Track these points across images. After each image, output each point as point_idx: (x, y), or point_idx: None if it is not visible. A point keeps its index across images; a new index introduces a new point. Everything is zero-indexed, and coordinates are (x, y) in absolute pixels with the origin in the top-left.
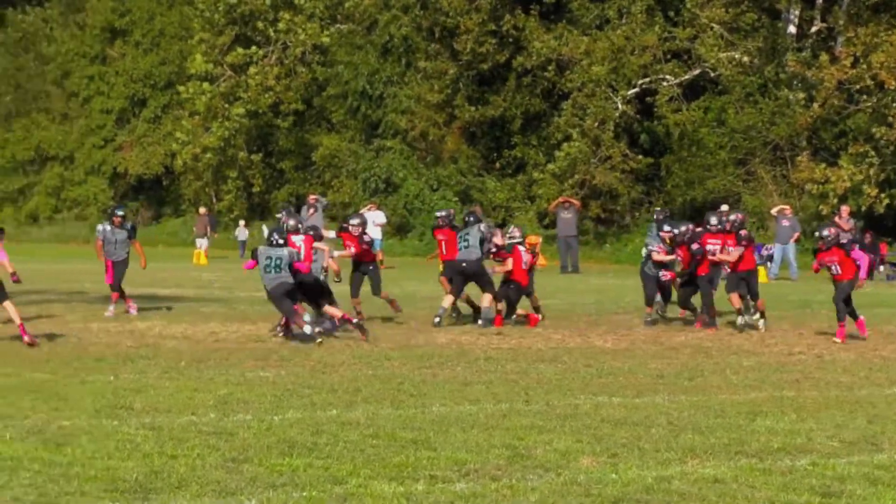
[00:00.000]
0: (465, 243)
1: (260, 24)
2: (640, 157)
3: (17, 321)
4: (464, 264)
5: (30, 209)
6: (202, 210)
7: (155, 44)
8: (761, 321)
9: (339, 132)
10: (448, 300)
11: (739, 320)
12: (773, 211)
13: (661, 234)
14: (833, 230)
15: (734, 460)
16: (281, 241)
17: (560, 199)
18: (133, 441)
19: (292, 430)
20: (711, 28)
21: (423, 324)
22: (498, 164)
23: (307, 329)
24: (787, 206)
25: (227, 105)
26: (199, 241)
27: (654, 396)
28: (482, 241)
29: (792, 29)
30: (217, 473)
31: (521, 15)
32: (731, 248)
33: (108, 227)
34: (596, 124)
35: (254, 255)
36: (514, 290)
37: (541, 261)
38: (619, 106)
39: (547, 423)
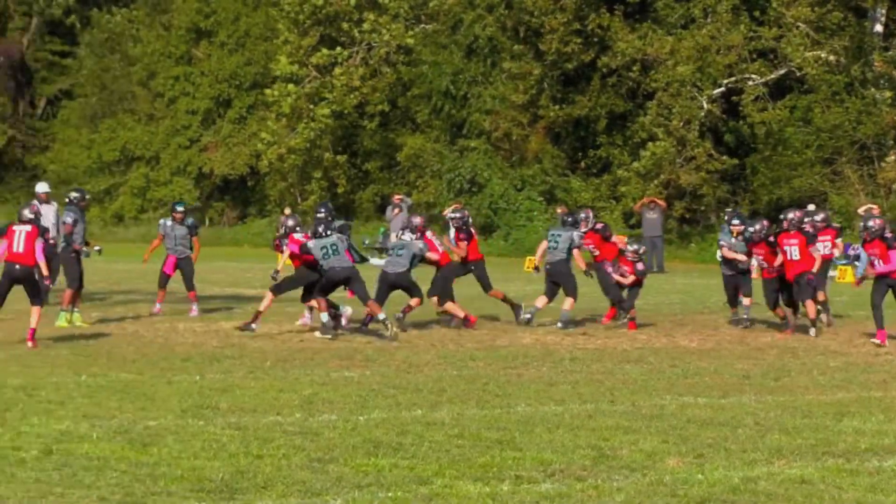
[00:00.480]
0: (555, 244)
1: (345, 25)
2: (725, 157)
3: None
4: (548, 266)
5: (115, 209)
6: (287, 211)
7: (240, 44)
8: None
9: (423, 132)
10: (541, 300)
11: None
12: (860, 210)
13: (731, 227)
14: (879, 221)
15: (821, 461)
16: (328, 232)
17: (645, 199)
18: (219, 441)
19: (378, 430)
20: (797, 27)
21: (507, 324)
22: (583, 164)
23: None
24: (875, 206)
25: (311, 106)
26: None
27: (740, 397)
28: (570, 248)
29: (879, 28)
30: (302, 473)
31: (606, 14)
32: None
33: (169, 223)
34: (681, 124)
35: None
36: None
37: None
38: (705, 105)
39: (633, 423)
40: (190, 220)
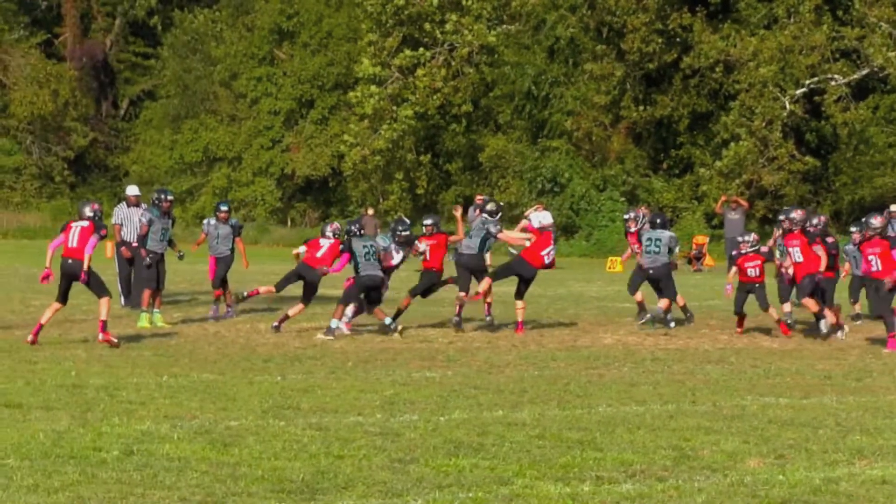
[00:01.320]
0: (656, 248)
1: (427, 26)
2: (808, 157)
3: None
4: (650, 271)
5: (197, 210)
6: (370, 211)
7: (323, 45)
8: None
9: (505, 133)
10: (664, 303)
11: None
12: None
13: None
14: (881, 219)
15: None
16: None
17: (724, 198)
18: (300, 441)
19: (458, 431)
20: (880, 27)
21: (590, 324)
22: (665, 164)
23: (333, 324)
24: None
25: (394, 107)
26: None
27: (821, 397)
28: (671, 250)
29: None
30: (383, 474)
31: (688, 14)
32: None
33: (213, 222)
34: (763, 124)
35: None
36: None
37: (707, 261)
38: (787, 106)
39: (713, 423)
40: (234, 220)
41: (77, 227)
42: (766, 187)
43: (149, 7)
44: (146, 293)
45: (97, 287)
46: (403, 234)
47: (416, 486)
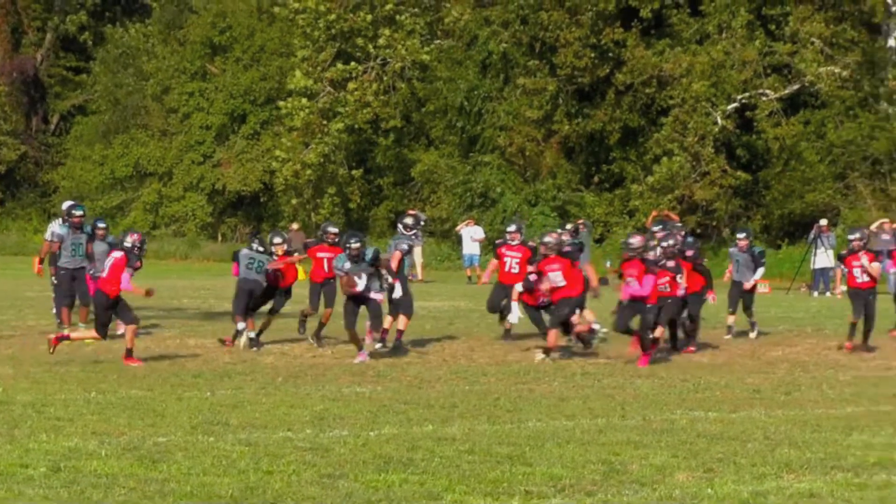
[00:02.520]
0: None
1: (360, 41)
2: (740, 172)
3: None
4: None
5: (127, 225)
6: (295, 226)
7: (255, 60)
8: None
9: (437, 148)
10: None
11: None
12: (873, 226)
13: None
14: (641, 238)
15: (830, 475)
16: (261, 249)
17: (655, 213)
18: (229, 457)
19: (388, 446)
20: (811, 42)
21: (519, 340)
22: (596, 179)
23: (240, 325)
24: (887, 220)
25: (325, 121)
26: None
27: (750, 411)
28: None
29: (892, 42)
30: (312, 489)
31: (621, 30)
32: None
33: (64, 230)
34: (696, 139)
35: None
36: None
37: None
38: (719, 121)
39: (643, 438)
40: (89, 228)
41: (112, 257)
42: (698, 202)
43: (80, 22)
44: (63, 310)
45: (124, 314)
46: (355, 246)
47: (346, 501)
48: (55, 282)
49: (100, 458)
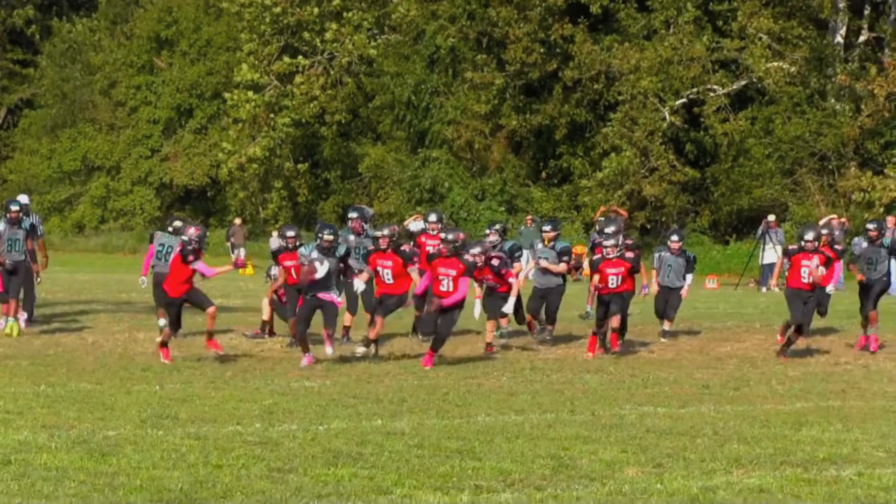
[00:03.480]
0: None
1: (307, 35)
2: (688, 168)
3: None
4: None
5: (75, 219)
6: (237, 221)
7: (202, 54)
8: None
9: (385, 143)
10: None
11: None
12: (822, 221)
13: (543, 233)
14: (821, 230)
15: (779, 470)
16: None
17: (603, 208)
18: (178, 451)
19: (337, 440)
20: (759, 38)
21: (469, 334)
22: (543, 174)
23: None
24: (836, 216)
25: (272, 115)
26: (236, 251)
27: (699, 406)
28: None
29: (839, 39)
30: (262, 483)
31: (569, 25)
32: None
33: (2, 226)
34: (644, 135)
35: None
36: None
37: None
38: (667, 117)
39: (592, 433)
40: (30, 221)
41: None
42: (647, 198)
43: (27, 16)
44: (2, 305)
45: (200, 300)
46: (327, 238)
47: (295, 495)
48: None
49: (50, 451)
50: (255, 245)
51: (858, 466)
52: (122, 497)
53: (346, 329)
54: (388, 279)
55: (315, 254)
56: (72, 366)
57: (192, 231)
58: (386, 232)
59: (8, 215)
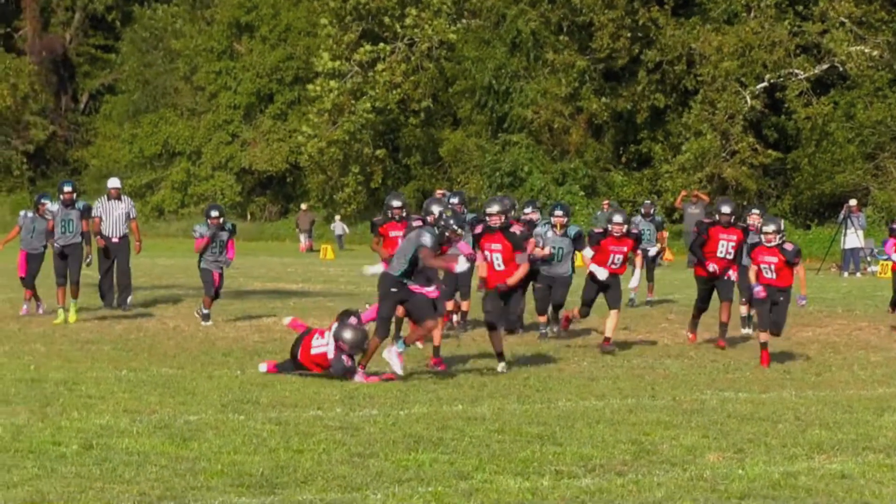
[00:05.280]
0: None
1: (387, 20)
2: (770, 150)
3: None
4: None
5: (156, 203)
6: (304, 206)
7: (282, 39)
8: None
9: (465, 127)
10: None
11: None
12: None
13: (554, 218)
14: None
15: (861, 456)
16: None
17: (684, 193)
18: (259, 436)
19: (418, 426)
20: (842, 23)
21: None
22: (623, 158)
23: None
24: None
25: (353, 101)
26: (301, 236)
27: (781, 392)
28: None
29: None
30: (342, 468)
31: (656, 8)
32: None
33: (30, 215)
34: (725, 118)
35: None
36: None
37: (667, 255)
38: (748, 101)
39: (673, 418)
40: (83, 203)
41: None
42: (728, 181)
43: (108, 2)
44: (57, 290)
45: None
46: (214, 215)
47: (376, 480)
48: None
49: (131, 436)
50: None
51: None
52: (203, 482)
53: (464, 315)
54: (499, 265)
55: (205, 229)
56: (153, 350)
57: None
58: (496, 208)
59: (62, 197)
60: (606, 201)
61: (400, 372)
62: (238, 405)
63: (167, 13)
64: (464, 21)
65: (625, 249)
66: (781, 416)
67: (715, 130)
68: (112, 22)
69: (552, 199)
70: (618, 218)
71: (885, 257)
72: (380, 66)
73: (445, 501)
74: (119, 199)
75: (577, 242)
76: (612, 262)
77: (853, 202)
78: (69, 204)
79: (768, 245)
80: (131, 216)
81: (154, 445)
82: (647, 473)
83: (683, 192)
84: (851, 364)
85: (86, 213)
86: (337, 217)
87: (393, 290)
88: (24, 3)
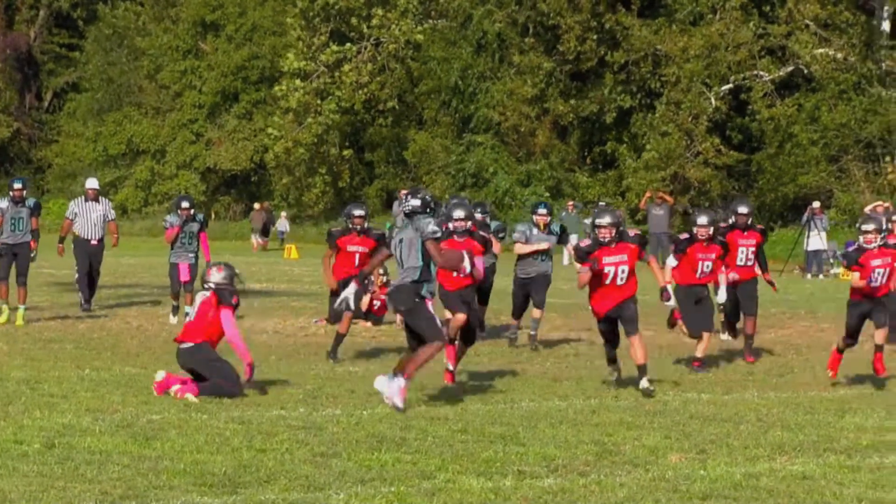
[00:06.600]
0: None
1: (354, 20)
2: (733, 152)
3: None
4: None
5: (119, 201)
6: (257, 206)
7: (247, 38)
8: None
9: (430, 128)
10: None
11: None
12: (867, 209)
13: (537, 217)
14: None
15: (823, 457)
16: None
17: (648, 194)
18: (222, 435)
19: (381, 425)
20: (807, 25)
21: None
22: (588, 160)
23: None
24: (881, 203)
25: (319, 101)
26: (253, 235)
27: (743, 393)
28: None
29: (886, 26)
30: (305, 468)
31: (622, 11)
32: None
33: (5, 204)
34: (690, 119)
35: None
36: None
37: None
38: (713, 102)
39: (636, 419)
40: (33, 201)
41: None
42: (691, 181)
43: (72, 0)
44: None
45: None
46: (185, 206)
47: (339, 480)
48: None
49: (94, 435)
50: (299, 229)
51: None
52: (166, 481)
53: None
54: (622, 279)
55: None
56: (116, 349)
57: (222, 273)
58: (608, 220)
59: (11, 193)
60: (571, 202)
61: (401, 406)
62: (200, 405)
63: (130, 11)
64: (430, 21)
65: (713, 256)
66: (743, 417)
67: (680, 130)
68: (77, 20)
69: (517, 200)
70: (703, 220)
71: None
72: (346, 67)
73: (408, 501)
74: (97, 200)
75: (562, 237)
76: (702, 272)
77: (816, 204)
78: (19, 201)
79: (869, 246)
80: (109, 217)
81: (116, 444)
82: (609, 474)
83: (648, 193)
84: (814, 365)
85: (35, 210)
86: (283, 214)
87: (416, 300)
88: None
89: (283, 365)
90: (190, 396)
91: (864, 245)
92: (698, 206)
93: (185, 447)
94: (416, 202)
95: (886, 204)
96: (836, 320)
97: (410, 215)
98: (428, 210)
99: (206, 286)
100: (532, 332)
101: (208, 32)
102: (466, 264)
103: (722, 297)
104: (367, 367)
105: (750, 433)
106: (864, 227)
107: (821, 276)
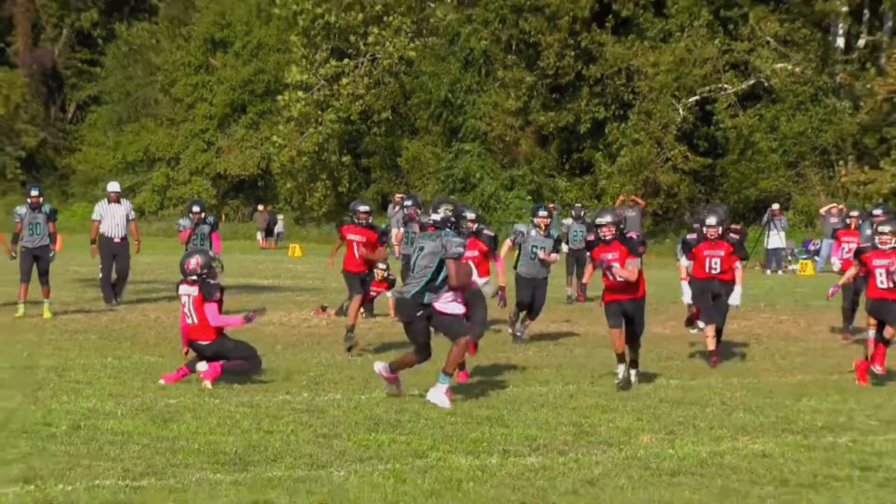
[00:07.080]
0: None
1: (352, 38)
2: (699, 158)
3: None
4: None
5: (137, 205)
6: (260, 207)
7: (254, 55)
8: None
9: (422, 137)
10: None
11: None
12: (822, 210)
13: (537, 219)
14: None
15: (781, 437)
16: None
17: (622, 197)
18: (233, 418)
19: (378, 409)
20: (767, 42)
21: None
22: (567, 166)
23: None
24: (835, 205)
25: (320, 112)
26: (258, 234)
27: (708, 379)
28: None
29: (840, 42)
30: (309, 447)
31: (597, 30)
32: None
33: (24, 210)
34: (660, 128)
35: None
36: None
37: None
38: (681, 112)
39: (610, 402)
40: (48, 206)
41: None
42: (661, 186)
43: (92, 18)
44: (20, 286)
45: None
46: (196, 210)
47: (339, 458)
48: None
49: (116, 418)
50: (302, 230)
51: (853, 434)
52: (182, 459)
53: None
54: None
55: (186, 221)
56: (136, 340)
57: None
58: (609, 218)
59: (29, 200)
60: (551, 205)
61: (449, 406)
62: (213, 390)
63: (146, 30)
64: (422, 39)
65: (721, 253)
66: (709, 401)
67: (650, 139)
68: (97, 38)
69: (501, 203)
70: (711, 220)
71: (804, 256)
72: (344, 80)
73: (403, 478)
74: (118, 202)
75: (556, 245)
76: (711, 268)
77: (776, 206)
78: (36, 207)
79: (884, 248)
80: (130, 217)
81: (137, 426)
82: (586, 453)
83: (621, 197)
84: (773, 354)
85: (51, 216)
86: (279, 217)
87: (418, 313)
88: (16, 20)
89: (288, 354)
90: (207, 383)
91: (879, 245)
92: (668, 208)
93: (199, 429)
94: (437, 217)
95: (841, 206)
96: (793, 312)
97: (436, 227)
98: (450, 225)
99: (189, 278)
100: (518, 333)
101: (218, 49)
102: (476, 279)
103: (735, 300)
104: (366, 356)
105: (715, 415)
106: (881, 229)
107: (780, 272)
